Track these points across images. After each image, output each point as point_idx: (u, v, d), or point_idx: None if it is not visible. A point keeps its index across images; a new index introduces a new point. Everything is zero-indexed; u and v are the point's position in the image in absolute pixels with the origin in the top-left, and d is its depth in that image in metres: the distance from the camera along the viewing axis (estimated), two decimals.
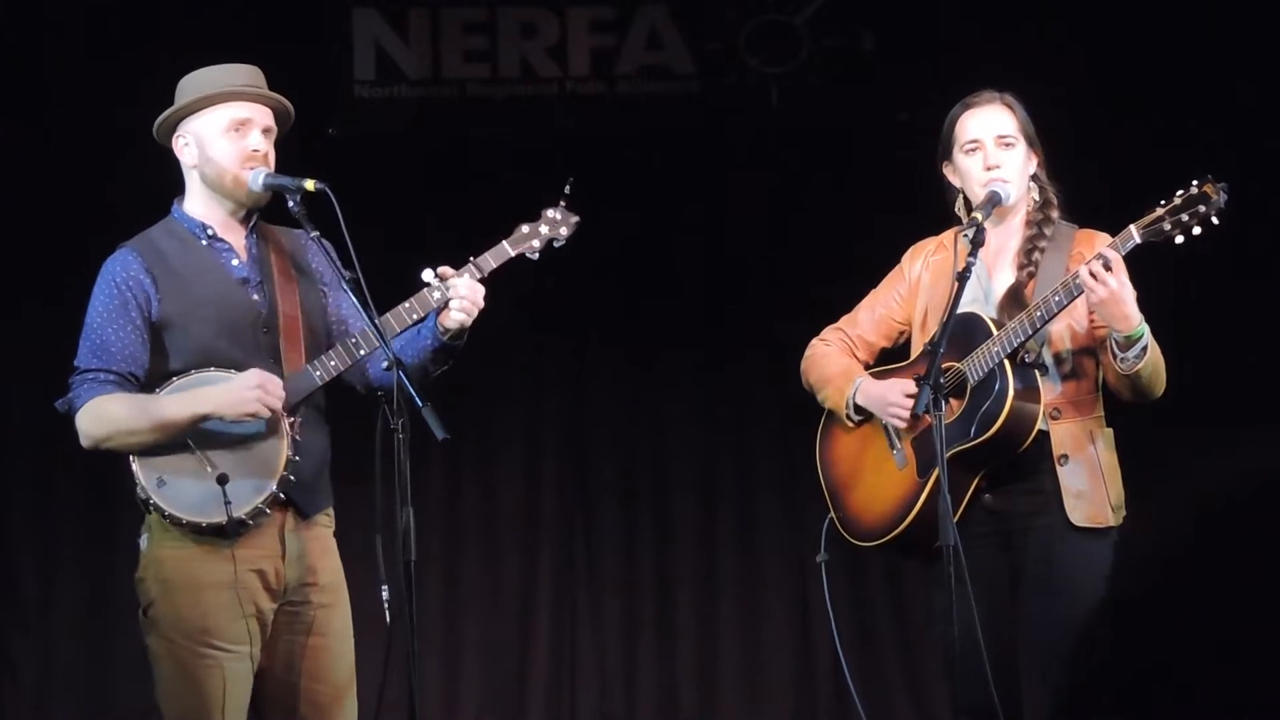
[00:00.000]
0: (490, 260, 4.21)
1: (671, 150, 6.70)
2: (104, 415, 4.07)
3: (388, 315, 4.13)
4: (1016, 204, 4.42)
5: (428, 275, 4.15)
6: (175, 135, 4.23)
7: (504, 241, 4.25)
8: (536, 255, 4.28)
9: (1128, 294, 4.11)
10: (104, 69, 6.30)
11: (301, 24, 6.58)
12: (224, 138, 4.18)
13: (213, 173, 4.19)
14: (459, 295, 4.11)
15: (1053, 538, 4.28)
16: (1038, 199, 4.44)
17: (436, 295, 4.13)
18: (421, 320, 4.18)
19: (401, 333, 4.18)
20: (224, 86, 4.20)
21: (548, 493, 6.79)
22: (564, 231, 4.30)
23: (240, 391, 4.04)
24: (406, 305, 4.15)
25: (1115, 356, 4.18)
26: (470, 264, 4.18)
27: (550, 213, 4.30)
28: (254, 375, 4.06)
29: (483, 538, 6.75)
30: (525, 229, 4.28)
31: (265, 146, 4.19)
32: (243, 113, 4.19)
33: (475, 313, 4.14)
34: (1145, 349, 4.16)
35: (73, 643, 6.47)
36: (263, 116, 4.21)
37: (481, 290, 4.15)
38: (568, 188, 4.29)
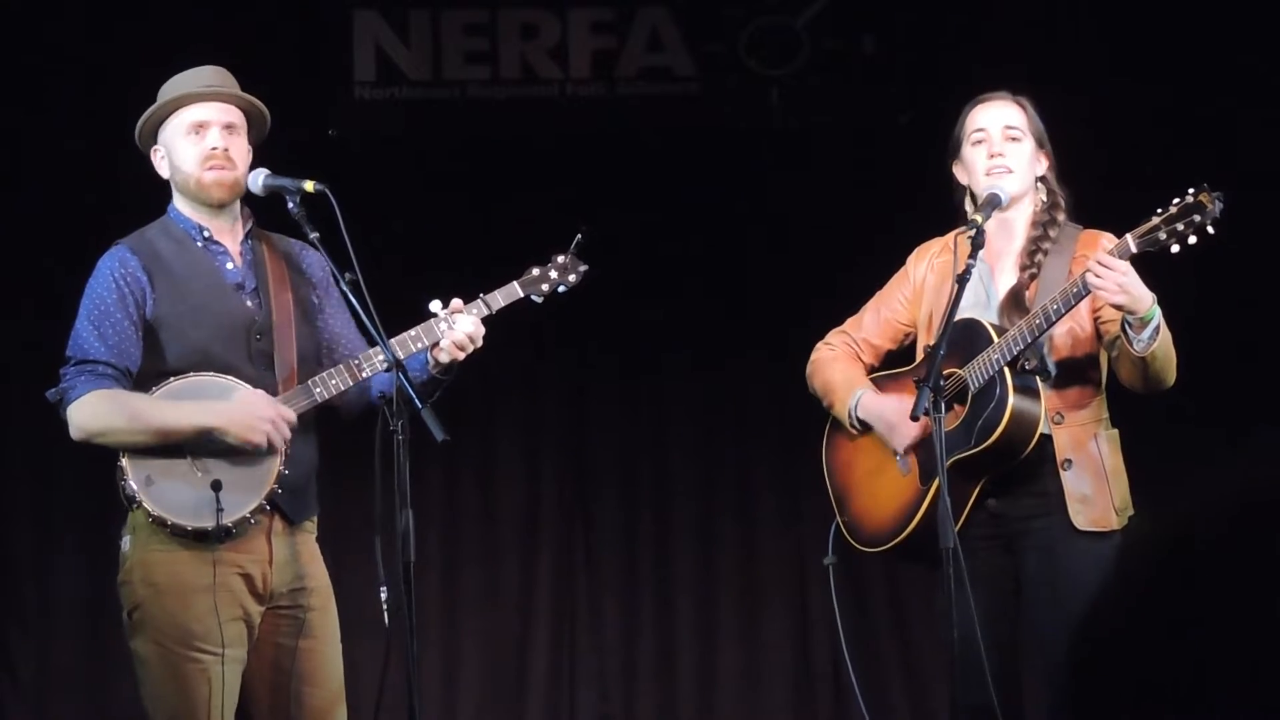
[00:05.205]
0: (499, 299, 4.25)
1: (672, 152, 6.70)
2: (102, 411, 4.07)
3: (393, 341, 4.12)
4: (1022, 203, 4.40)
5: (435, 306, 4.15)
6: (153, 148, 4.24)
7: (514, 282, 4.29)
8: (541, 299, 4.32)
9: (1134, 278, 4.10)
10: (101, 70, 6.30)
11: (301, 25, 6.58)
12: (185, 141, 4.18)
13: (181, 179, 4.20)
14: (461, 332, 4.12)
15: (1055, 540, 4.27)
16: (1045, 200, 4.43)
17: (443, 327, 4.14)
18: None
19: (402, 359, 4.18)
20: (180, 91, 4.20)
21: (547, 493, 6.78)
22: (571, 279, 4.35)
23: (252, 419, 4.03)
24: (413, 334, 4.16)
25: (1130, 341, 4.15)
26: (480, 300, 4.21)
27: (560, 259, 4.35)
28: (268, 406, 4.06)
29: (482, 538, 6.74)
30: (535, 272, 4.32)
31: (224, 143, 4.17)
32: (198, 115, 4.18)
33: (470, 350, 4.15)
34: (1158, 329, 4.14)
35: (72, 642, 6.46)
36: (221, 114, 4.20)
37: (481, 331, 4.17)
38: (580, 236, 4.34)
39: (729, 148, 6.71)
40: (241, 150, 4.20)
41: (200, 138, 4.17)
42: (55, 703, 6.49)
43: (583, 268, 4.37)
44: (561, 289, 4.34)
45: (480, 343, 4.16)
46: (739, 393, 6.81)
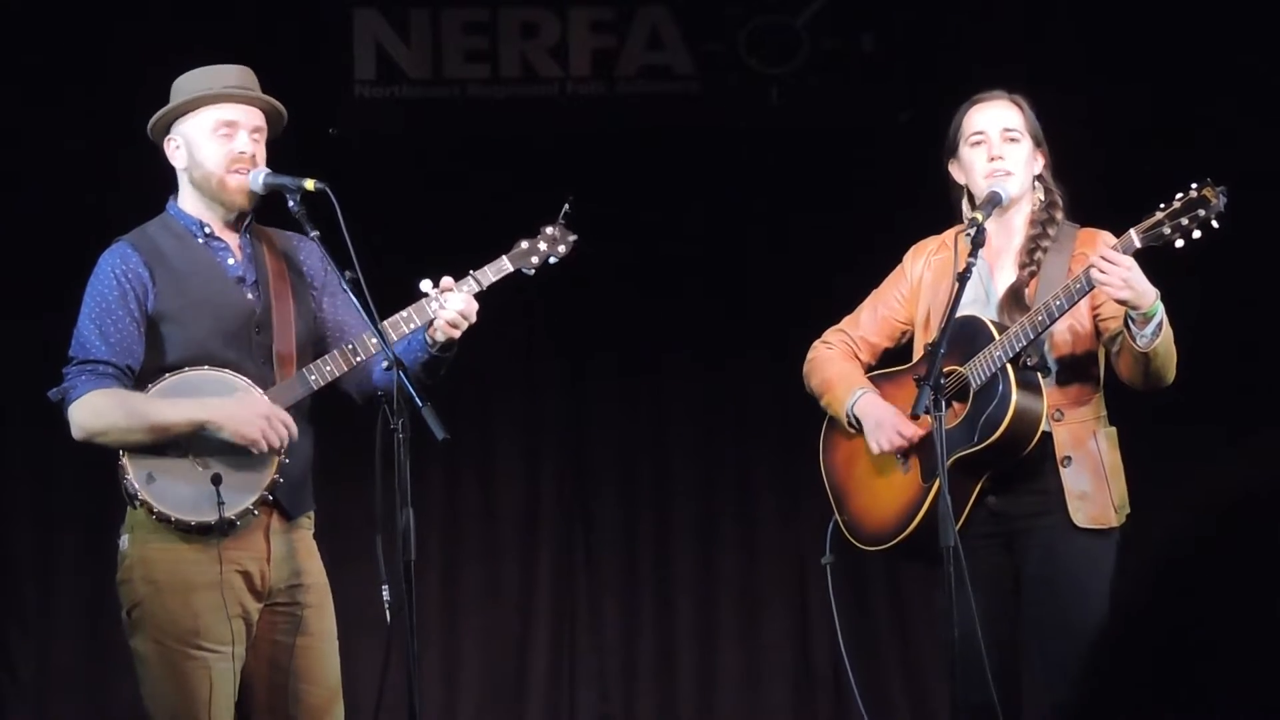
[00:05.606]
0: (489, 274, 4.23)
1: (671, 150, 6.70)
2: (102, 410, 4.07)
3: (385, 323, 4.12)
4: (1020, 202, 4.41)
5: (426, 286, 4.15)
6: (167, 138, 4.23)
7: (504, 256, 4.27)
8: (533, 272, 4.30)
9: (1139, 274, 4.10)
10: (102, 70, 6.30)
11: (301, 24, 6.57)
12: (211, 140, 4.17)
13: (200, 176, 4.19)
14: (453, 310, 4.11)
15: (1055, 538, 4.27)
16: (1043, 199, 4.43)
17: (434, 306, 4.13)
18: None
19: (398, 341, 4.17)
20: (212, 88, 4.19)
21: (547, 493, 6.78)
22: (561, 250, 4.32)
23: (248, 416, 4.03)
24: (404, 314, 4.15)
25: (1133, 336, 4.15)
26: (470, 276, 4.19)
27: (549, 230, 4.32)
28: (264, 404, 4.06)
29: (482, 538, 6.74)
30: (524, 244, 4.30)
31: (252, 148, 4.18)
32: (229, 114, 4.18)
33: (465, 326, 4.14)
34: (1161, 325, 4.15)
35: (72, 642, 6.46)
36: (251, 118, 4.20)
37: (475, 306, 4.15)
38: (567, 206, 4.31)
39: (729, 147, 6.71)
40: (263, 157, 4.21)
41: (229, 139, 4.17)
42: (55, 703, 6.49)
43: (572, 238, 4.34)
44: (552, 260, 4.32)
45: (474, 318, 4.15)
46: (739, 393, 6.81)
